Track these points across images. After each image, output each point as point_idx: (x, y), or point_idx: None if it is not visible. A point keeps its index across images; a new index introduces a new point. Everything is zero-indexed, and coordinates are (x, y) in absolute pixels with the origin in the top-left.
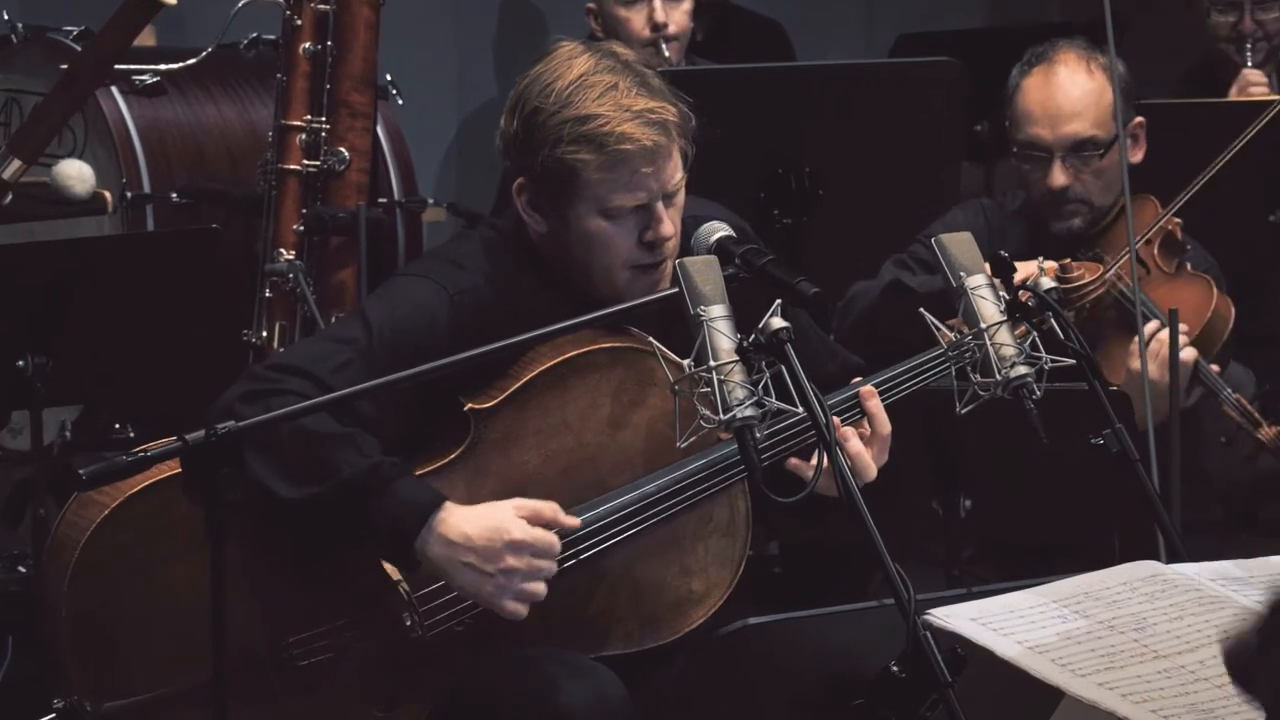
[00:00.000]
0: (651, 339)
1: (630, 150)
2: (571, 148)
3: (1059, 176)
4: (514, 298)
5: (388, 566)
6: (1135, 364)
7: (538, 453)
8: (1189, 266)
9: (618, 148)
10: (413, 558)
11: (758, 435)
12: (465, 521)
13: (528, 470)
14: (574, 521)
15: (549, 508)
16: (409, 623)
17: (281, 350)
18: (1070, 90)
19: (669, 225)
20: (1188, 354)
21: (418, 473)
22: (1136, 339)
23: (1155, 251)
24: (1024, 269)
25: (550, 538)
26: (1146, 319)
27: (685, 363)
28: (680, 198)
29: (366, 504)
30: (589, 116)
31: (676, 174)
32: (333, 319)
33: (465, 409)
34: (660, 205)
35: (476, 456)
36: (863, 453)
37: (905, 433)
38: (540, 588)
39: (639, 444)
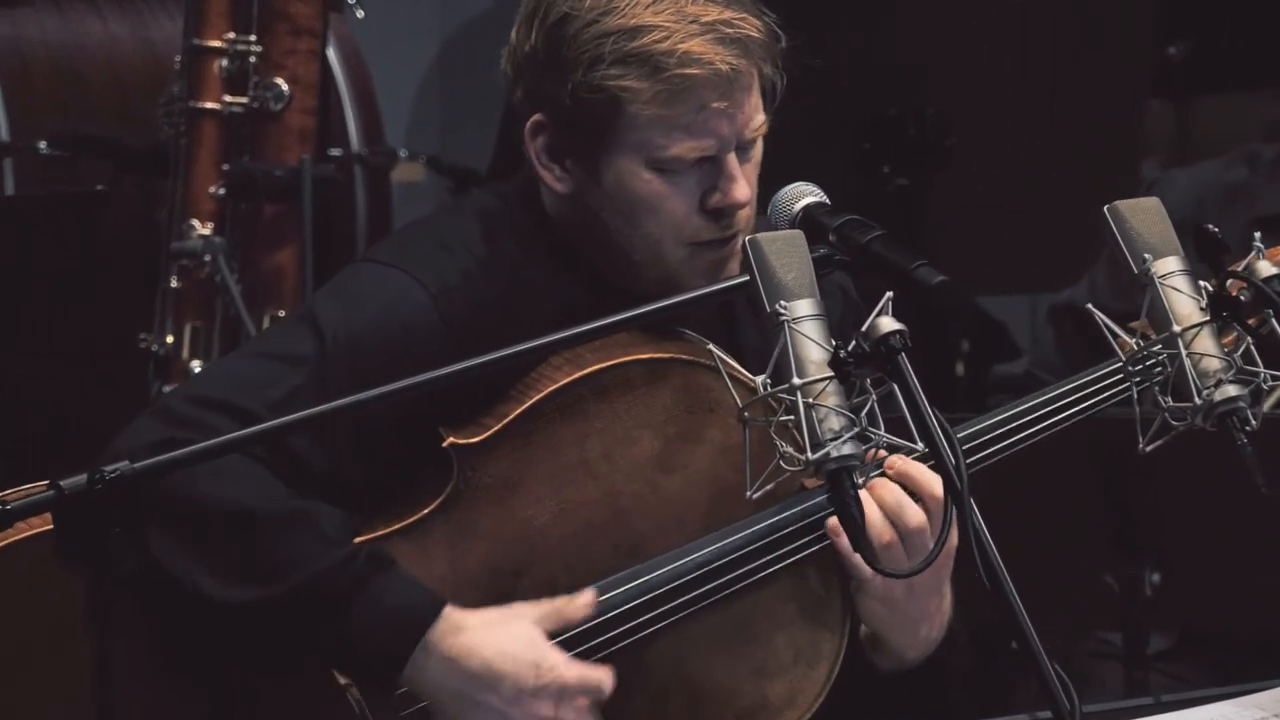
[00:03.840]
0: (713, 347)
1: (697, 77)
2: (615, 71)
3: None
4: (523, 294)
5: None
6: None
7: (548, 505)
8: None
9: (680, 73)
10: (396, 682)
11: (859, 481)
12: (484, 642)
13: (533, 530)
14: (583, 608)
15: (563, 605)
16: None
17: (198, 370)
18: None
19: (744, 186)
20: None
21: (380, 532)
22: None
23: None
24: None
25: (598, 677)
26: None
27: (759, 380)
28: (759, 150)
29: (334, 612)
30: (641, 29)
31: (757, 115)
32: (266, 320)
33: (445, 444)
34: (732, 157)
35: (461, 509)
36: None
37: (1071, 480)
38: None
39: (692, 494)
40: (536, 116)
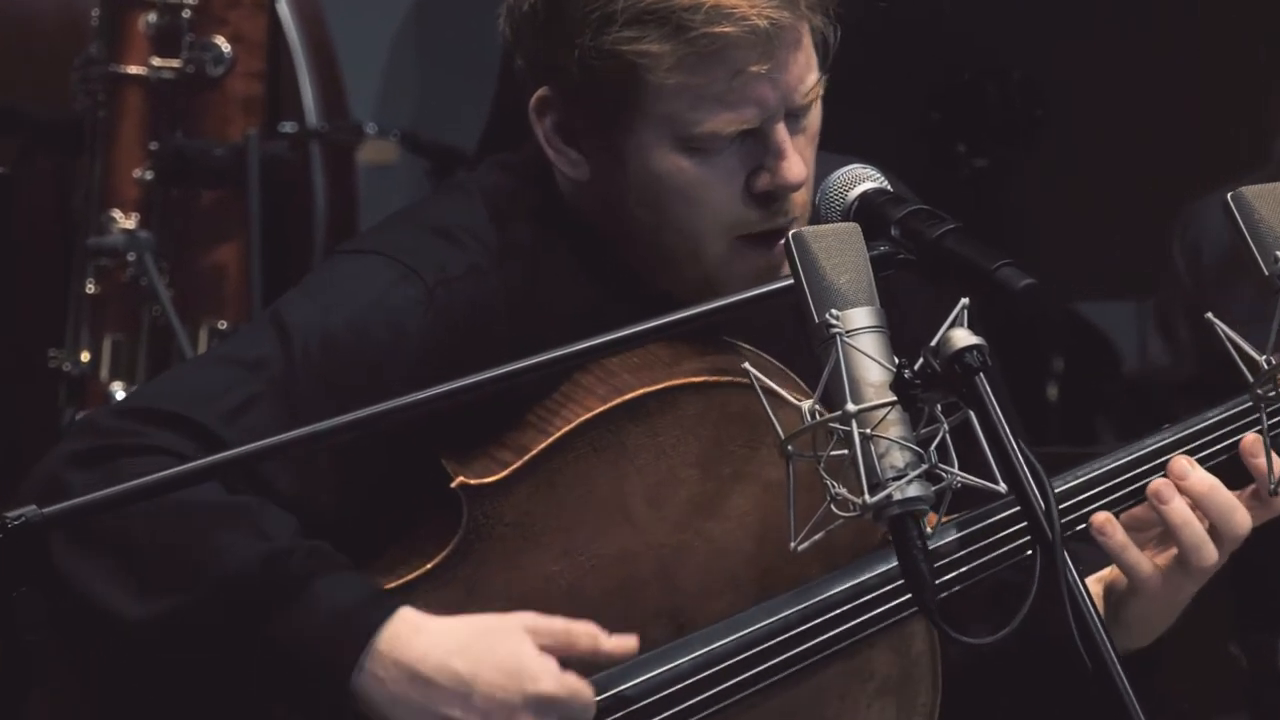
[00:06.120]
0: (748, 366)
1: (730, 36)
2: (630, 33)
3: None
4: (542, 292)
5: None
6: None
7: (577, 560)
8: None
9: (709, 32)
10: (345, 700)
11: (928, 530)
12: (450, 645)
13: (558, 589)
14: (626, 645)
15: (580, 630)
16: None
17: (135, 389)
18: None
19: (797, 162)
20: None
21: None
22: None
23: None
24: None
25: (586, 693)
26: None
27: (806, 405)
28: (815, 118)
29: (267, 619)
30: None
31: (808, 75)
32: (203, 332)
33: (454, 484)
34: (782, 128)
35: (471, 564)
36: (1142, 561)
37: None
38: None
39: (748, 545)
40: (542, 91)
